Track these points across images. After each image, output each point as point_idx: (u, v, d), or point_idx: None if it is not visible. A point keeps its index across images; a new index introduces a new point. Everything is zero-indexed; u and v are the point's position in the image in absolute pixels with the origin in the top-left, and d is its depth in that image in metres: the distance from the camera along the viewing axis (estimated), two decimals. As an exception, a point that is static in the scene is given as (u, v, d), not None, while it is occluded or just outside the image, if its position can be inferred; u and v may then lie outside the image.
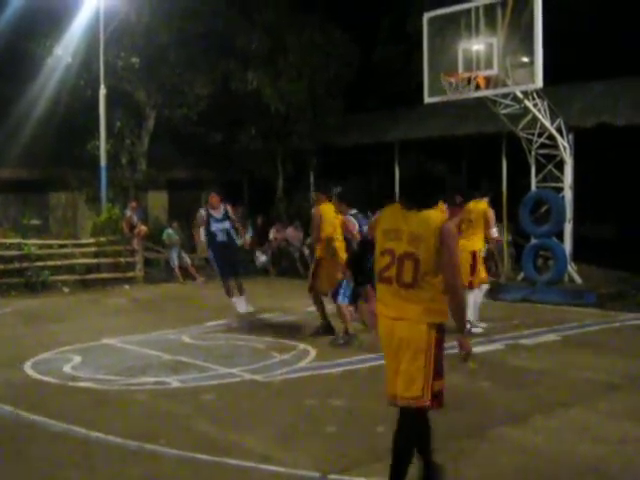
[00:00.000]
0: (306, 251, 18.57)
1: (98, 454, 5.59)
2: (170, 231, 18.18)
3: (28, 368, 8.37)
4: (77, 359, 8.81)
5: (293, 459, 5.35)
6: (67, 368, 8.32)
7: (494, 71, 13.95)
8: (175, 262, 17.77)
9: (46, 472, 5.26)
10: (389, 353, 4.51)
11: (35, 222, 18.03)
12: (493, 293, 13.17)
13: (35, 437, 6.01)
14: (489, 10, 14.13)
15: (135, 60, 19.95)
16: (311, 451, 5.57)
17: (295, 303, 12.88)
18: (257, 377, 7.83)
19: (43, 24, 19.73)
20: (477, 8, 14.21)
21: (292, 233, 18.99)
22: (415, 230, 4.38)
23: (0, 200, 22.29)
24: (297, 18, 21.14)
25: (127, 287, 16.60)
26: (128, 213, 17.99)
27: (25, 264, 16.05)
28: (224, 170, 22.39)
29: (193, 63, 20.39)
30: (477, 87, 14.19)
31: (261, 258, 18.31)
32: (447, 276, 4.34)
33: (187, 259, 17.85)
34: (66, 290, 16.07)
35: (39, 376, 7.99)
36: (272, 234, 19.20)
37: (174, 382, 7.68)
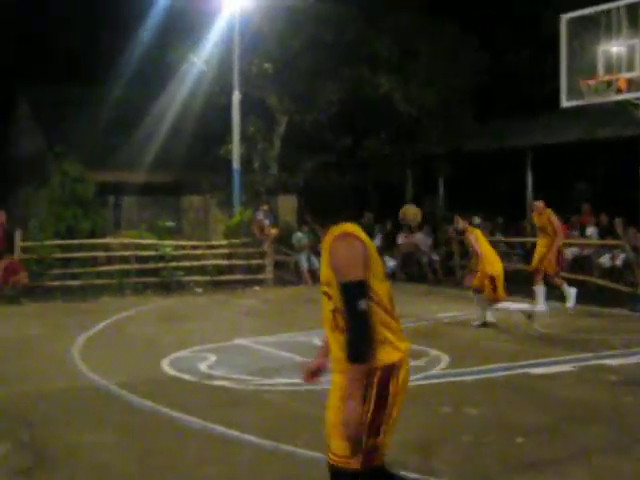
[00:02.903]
0: (435, 257, 18.41)
1: (235, 452, 5.68)
2: (300, 234, 18.37)
3: (166, 365, 8.61)
4: (212, 358, 9.00)
5: (429, 467, 5.27)
6: (203, 366, 8.52)
7: (636, 73, 13.41)
8: (304, 265, 17.97)
9: (186, 467, 5.38)
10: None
11: (169, 224, 18.59)
12: (632, 304, 12.67)
13: (174, 433, 6.17)
14: (631, 10, 13.58)
15: (267, 66, 20.33)
16: (447, 459, 5.47)
17: (425, 309, 12.74)
18: (389, 382, 7.75)
19: (179, 33, 20.42)
20: (618, 8, 13.70)
21: (421, 238, 18.84)
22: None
23: (136, 202, 23.19)
24: (427, 23, 21.02)
25: (257, 289, 16.89)
26: (260, 216, 18.30)
27: (161, 264, 16.62)
28: (352, 175, 22.49)
29: (323, 69, 20.60)
30: (618, 90, 13.68)
31: (389, 263, 18.22)
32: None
33: (316, 262, 18.00)
34: (199, 290, 16.50)
35: (177, 373, 8.21)
36: (400, 239, 19.10)
37: (306, 384, 7.71)
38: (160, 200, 22.69)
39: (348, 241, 3.40)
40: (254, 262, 17.68)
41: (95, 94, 23.00)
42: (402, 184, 22.64)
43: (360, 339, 3.27)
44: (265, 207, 18.88)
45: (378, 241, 18.39)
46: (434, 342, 9.92)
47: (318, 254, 18.38)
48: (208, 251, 17.70)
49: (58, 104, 23.09)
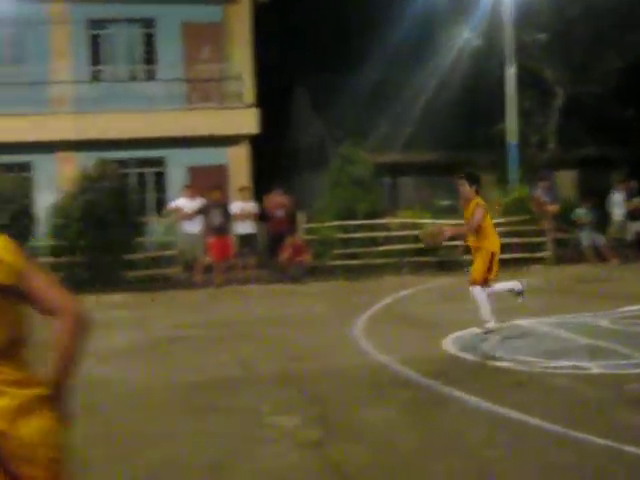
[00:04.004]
0: None
1: (520, 436, 5.49)
2: (581, 211, 17.54)
3: (447, 344, 8.59)
4: (495, 338, 8.84)
5: None
6: (485, 346, 8.39)
7: None
8: (587, 242, 17.15)
9: (469, 449, 5.28)
10: None
11: (445, 203, 18.55)
12: None
13: (456, 413, 6.11)
14: None
15: (542, 37, 19.58)
16: None
17: None
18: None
19: (451, 9, 20.25)
20: None
21: None
22: None
23: (412, 183, 23.45)
24: None
25: (538, 267, 16.38)
26: (538, 193, 17.71)
27: (438, 243, 16.66)
28: (636, 148, 21.10)
29: (602, 37, 19.44)
30: None
31: None
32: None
33: (600, 240, 17.11)
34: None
35: (458, 353, 8.15)
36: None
37: (594, 368, 7.32)
38: (435, 180, 22.76)
39: None
40: (533, 240, 17.16)
41: (367, 78, 23.51)
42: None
43: None
44: (544, 183, 18.22)
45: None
46: None
47: (600, 231, 17.47)
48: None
49: (332, 91, 23.90)
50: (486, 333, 9.00)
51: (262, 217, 16.79)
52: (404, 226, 17.11)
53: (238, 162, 20.96)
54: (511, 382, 6.95)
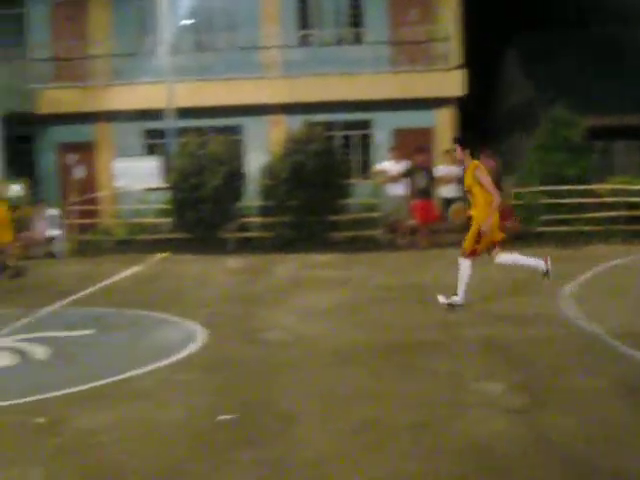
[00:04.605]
0: None
1: None
2: None
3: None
4: None
5: None
6: None
7: None
8: None
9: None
10: None
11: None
12: None
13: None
14: None
15: None
16: None
17: None
18: None
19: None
20: None
21: None
22: None
23: (625, 147, 22.24)
24: None
25: None
26: None
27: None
28: None
29: None
30: None
31: None
32: None
33: None
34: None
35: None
36: None
37: None
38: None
39: None
40: None
41: (580, 37, 22.43)
42: None
43: None
44: None
45: None
46: None
47: None
48: None
49: (545, 50, 23.02)
50: (449, 305, 8.90)
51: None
52: (615, 192, 16.27)
53: (444, 124, 20.74)
54: None
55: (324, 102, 19.99)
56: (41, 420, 5.40)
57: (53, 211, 17.20)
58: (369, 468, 4.38)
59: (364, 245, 16.15)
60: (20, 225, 16.97)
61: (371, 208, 17.10)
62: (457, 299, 8.96)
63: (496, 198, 8.81)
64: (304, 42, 21.62)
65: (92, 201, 20.00)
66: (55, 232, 16.86)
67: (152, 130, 21.37)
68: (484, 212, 8.82)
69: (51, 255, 16.68)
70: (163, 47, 19.26)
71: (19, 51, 22.42)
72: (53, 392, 6.10)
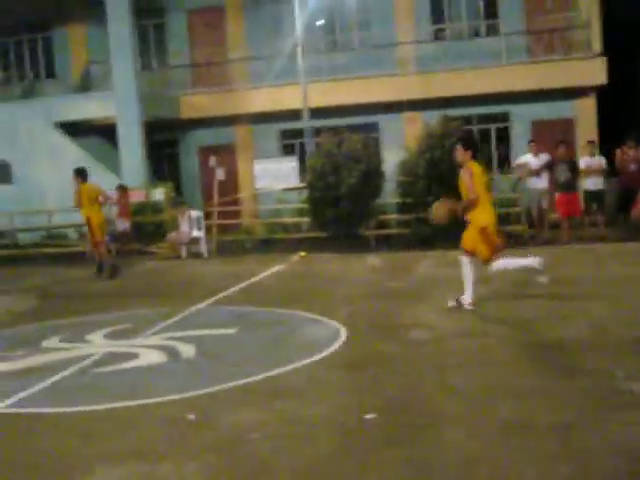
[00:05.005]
0: None
1: None
2: None
3: None
4: None
5: None
6: None
7: None
8: None
9: None
10: None
11: None
12: None
13: None
14: None
15: None
16: None
17: None
18: None
19: None
20: None
21: None
22: None
23: None
24: None
25: None
26: None
27: None
28: None
29: None
30: None
31: None
32: None
33: None
34: None
35: None
36: None
37: None
38: None
39: None
40: None
41: None
42: None
43: None
44: None
45: None
46: None
47: None
48: None
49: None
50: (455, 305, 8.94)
51: (612, 172, 15.97)
52: None
53: (585, 115, 20.08)
54: None
55: (460, 96, 19.75)
56: (192, 417, 5.57)
57: (196, 212, 17.74)
58: (518, 470, 4.29)
59: (505, 241, 15.79)
60: (167, 227, 17.68)
61: (512, 203, 16.74)
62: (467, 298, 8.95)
63: (472, 199, 8.81)
64: (438, 36, 21.44)
65: (233, 202, 20.55)
66: (199, 233, 17.41)
67: (288, 130, 21.75)
68: (482, 213, 8.93)
69: (195, 255, 17.25)
70: (298, 48, 19.54)
71: (160, 59, 23.36)
72: (201, 389, 6.29)
